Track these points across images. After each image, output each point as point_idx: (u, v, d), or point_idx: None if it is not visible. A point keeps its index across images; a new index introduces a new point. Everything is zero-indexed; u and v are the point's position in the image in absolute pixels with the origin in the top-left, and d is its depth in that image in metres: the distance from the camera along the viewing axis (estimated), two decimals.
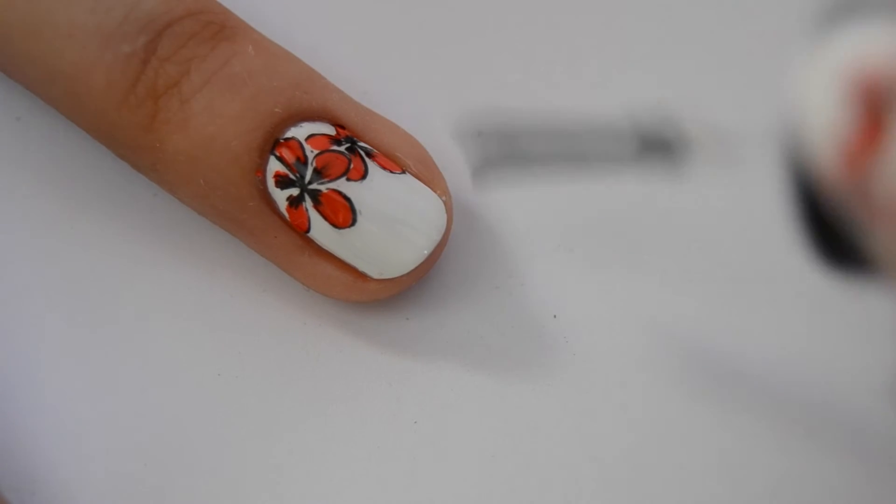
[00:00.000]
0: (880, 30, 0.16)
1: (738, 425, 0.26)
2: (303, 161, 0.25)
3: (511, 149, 0.22)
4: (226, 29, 0.25)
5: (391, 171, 0.25)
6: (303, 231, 0.25)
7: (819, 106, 0.16)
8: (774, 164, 0.18)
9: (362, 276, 0.26)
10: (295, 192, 0.25)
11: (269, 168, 0.25)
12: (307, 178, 0.25)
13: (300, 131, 0.25)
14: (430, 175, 0.26)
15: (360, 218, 0.25)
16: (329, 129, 0.25)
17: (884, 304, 0.24)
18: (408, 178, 0.26)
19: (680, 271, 0.27)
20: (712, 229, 0.28)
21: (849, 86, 0.16)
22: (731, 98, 0.28)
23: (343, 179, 0.25)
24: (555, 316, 0.27)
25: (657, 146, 0.21)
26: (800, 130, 0.17)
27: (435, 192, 0.26)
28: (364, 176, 0.25)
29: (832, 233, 0.17)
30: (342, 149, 0.25)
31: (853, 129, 0.16)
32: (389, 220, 0.25)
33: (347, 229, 0.25)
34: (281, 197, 0.25)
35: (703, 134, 0.21)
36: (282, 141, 0.25)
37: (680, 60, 0.29)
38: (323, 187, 0.25)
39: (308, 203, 0.25)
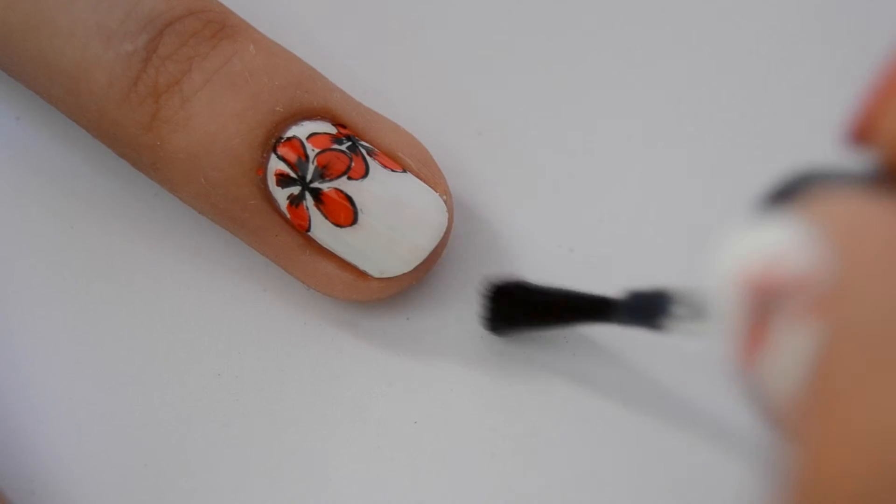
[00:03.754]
0: (792, 229, 0.17)
1: (741, 426, 0.26)
2: (304, 160, 0.25)
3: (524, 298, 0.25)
4: (227, 28, 0.25)
5: (392, 170, 0.25)
6: (304, 230, 0.25)
7: (719, 295, 0.18)
8: None
9: (363, 274, 0.26)
10: (296, 190, 0.25)
11: (270, 166, 0.25)
12: (308, 176, 0.25)
13: (301, 130, 0.25)
14: (430, 174, 0.26)
15: (361, 217, 0.25)
16: (330, 128, 0.25)
17: None
18: (409, 177, 0.26)
19: (680, 271, 0.27)
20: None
21: (743, 284, 0.17)
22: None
23: (344, 178, 0.25)
24: None
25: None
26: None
27: (436, 191, 0.26)
28: (365, 175, 0.25)
29: None
30: (343, 147, 0.25)
31: (743, 326, 0.17)
32: (390, 219, 0.25)
33: (348, 228, 0.25)
34: (282, 195, 0.25)
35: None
36: (283, 139, 0.25)
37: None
38: (324, 186, 0.25)
39: (309, 202, 0.25)
